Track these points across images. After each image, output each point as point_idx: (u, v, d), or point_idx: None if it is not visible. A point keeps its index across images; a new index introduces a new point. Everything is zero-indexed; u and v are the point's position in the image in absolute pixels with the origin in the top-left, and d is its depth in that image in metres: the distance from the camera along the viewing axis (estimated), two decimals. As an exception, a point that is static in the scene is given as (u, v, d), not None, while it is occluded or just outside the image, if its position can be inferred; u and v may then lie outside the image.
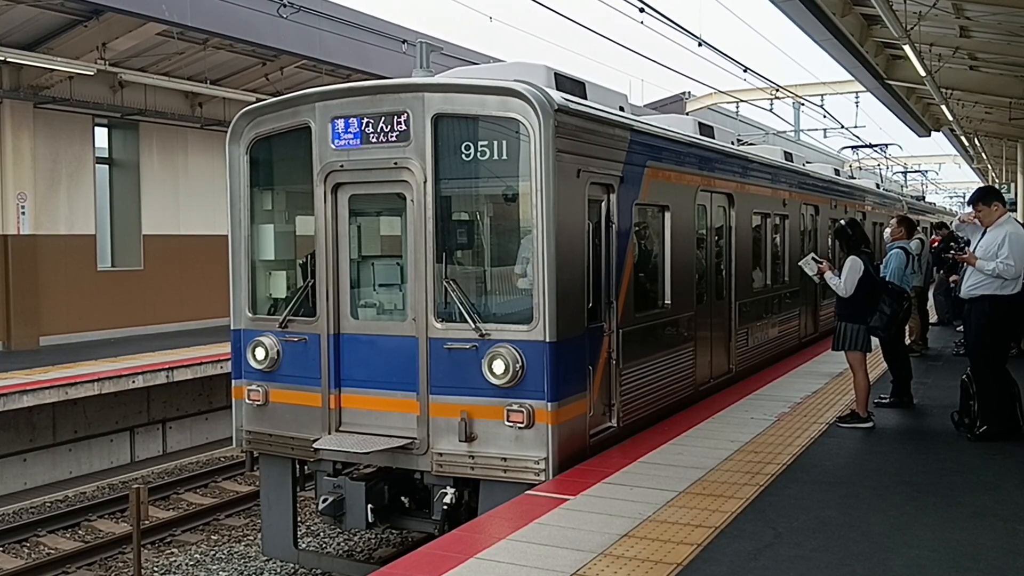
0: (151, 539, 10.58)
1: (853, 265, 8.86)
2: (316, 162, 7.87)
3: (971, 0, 13.33)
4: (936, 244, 15.69)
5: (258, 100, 11.21)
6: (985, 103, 23.03)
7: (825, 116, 31.82)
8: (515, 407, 7.10)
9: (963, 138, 32.00)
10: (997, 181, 40.86)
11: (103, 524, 11.37)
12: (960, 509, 6.27)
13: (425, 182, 7.40)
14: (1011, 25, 13.91)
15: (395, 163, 7.53)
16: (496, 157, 7.33)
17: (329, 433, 7.83)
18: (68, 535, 11.03)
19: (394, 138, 7.53)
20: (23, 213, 16.56)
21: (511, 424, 7.12)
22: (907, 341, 11.71)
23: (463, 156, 7.39)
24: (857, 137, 33.15)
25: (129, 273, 18.97)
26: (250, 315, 8.41)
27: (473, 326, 7.25)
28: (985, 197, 8.55)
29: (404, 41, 18.18)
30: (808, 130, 38.88)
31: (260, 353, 8.19)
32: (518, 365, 7.10)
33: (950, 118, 23.79)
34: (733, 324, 11.42)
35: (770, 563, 5.28)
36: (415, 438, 7.49)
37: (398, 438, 7.53)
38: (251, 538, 10.70)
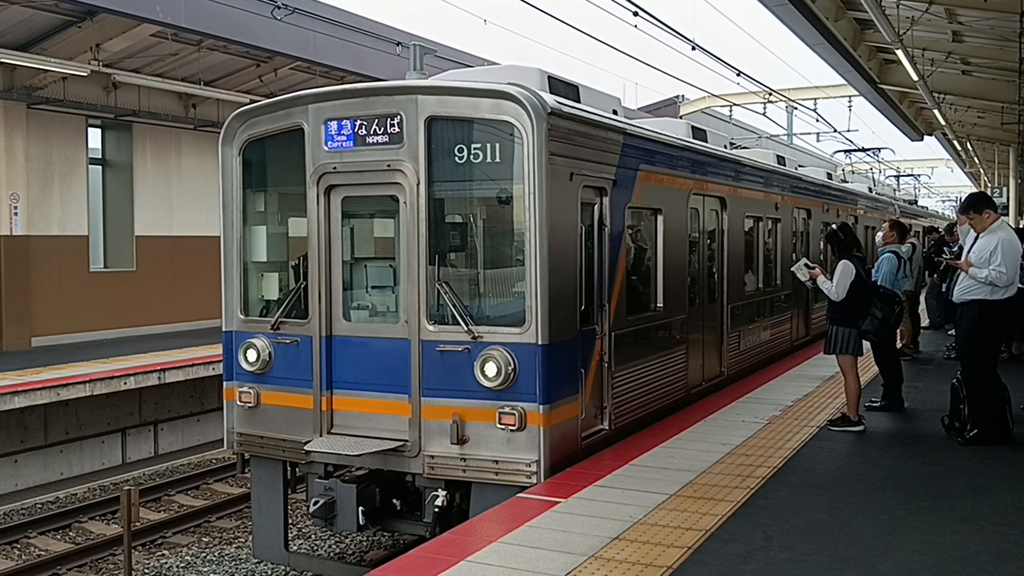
0: (142, 541, 10.55)
1: (845, 269, 8.89)
2: (309, 164, 7.86)
3: (964, 5, 13.40)
4: (929, 248, 15.74)
5: (252, 101, 11.20)
6: (977, 107, 23.16)
7: (818, 120, 31.93)
8: (507, 410, 7.10)
9: (955, 142, 32.16)
10: (989, 185, 41.02)
11: (94, 526, 11.33)
12: (950, 513, 6.29)
13: (418, 184, 7.40)
14: (1003, 30, 13.99)
15: (388, 165, 7.54)
16: (489, 160, 7.34)
17: (320, 435, 7.83)
18: (59, 536, 10.99)
19: (387, 140, 7.53)
20: (16, 214, 16.52)
21: (503, 427, 7.13)
22: (898, 345, 11.75)
23: (456, 159, 7.39)
24: (850, 141, 33.27)
25: (121, 274, 18.93)
26: (242, 317, 8.40)
27: (465, 328, 7.25)
28: (976, 205, 8.53)
29: (398, 43, 18.18)
30: (801, 134, 39.04)
31: (252, 355, 8.17)
32: (510, 368, 7.10)
33: (942, 122, 23.89)
34: (725, 327, 11.44)
35: (760, 566, 5.29)
36: (407, 440, 7.49)
37: (390, 440, 7.52)
38: (242, 540, 10.68)
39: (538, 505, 6.46)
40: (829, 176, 19.41)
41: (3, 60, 15.06)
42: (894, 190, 36.64)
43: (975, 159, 38.05)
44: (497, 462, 7.18)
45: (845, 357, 8.98)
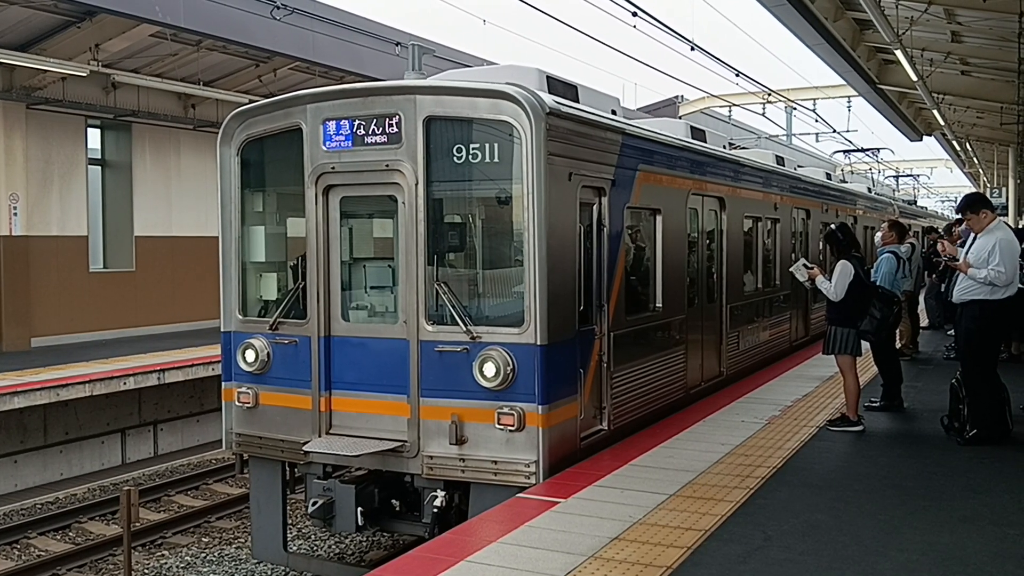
0: (142, 541, 10.55)
1: (843, 269, 8.88)
2: (307, 164, 7.86)
3: (963, 5, 13.41)
4: (928, 249, 15.74)
5: (251, 102, 11.19)
6: (976, 107, 23.17)
7: (817, 120, 31.96)
8: (506, 410, 7.09)
9: (954, 142, 32.15)
10: (988, 185, 41.02)
11: (94, 526, 11.33)
12: (949, 513, 6.29)
13: (416, 184, 7.40)
14: (1002, 30, 13.99)
15: (386, 165, 7.53)
16: (488, 160, 7.33)
17: (319, 436, 7.82)
18: (59, 537, 10.99)
19: (386, 140, 7.53)
20: (15, 214, 16.52)
21: (502, 427, 7.12)
22: (898, 345, 11.74)
23: (454, 159, 7.39)
24: (849, 141, 33.29)
25: (121, 274, 18.93)
26: (240, 317, 8.39)
27: (464, 329, 7.24)
28: (973, 206, 8.53)
29: (397, 43, 18.19)
30: (800, 134, 39.05)
31: (250, 355, 8.17)
32: (509, 368, 7.09)
33: (941, 122, 23.89)
34: (724, 327, 11.44)
35: (760, 566, 5.29)
36: (405, 441, 7.48)
37: (388, 441, 7.52)
38: (242, 541, 10.68)
39: (537, 505, 6.46)
40: (828, 176, 19.42)
41: (2, 60, 15.06)
42: (893, 190, 36.63)
43: (974, 159, 38.07)
44: (496, 462, 7.17)
45: (844, 357, 8.97)
